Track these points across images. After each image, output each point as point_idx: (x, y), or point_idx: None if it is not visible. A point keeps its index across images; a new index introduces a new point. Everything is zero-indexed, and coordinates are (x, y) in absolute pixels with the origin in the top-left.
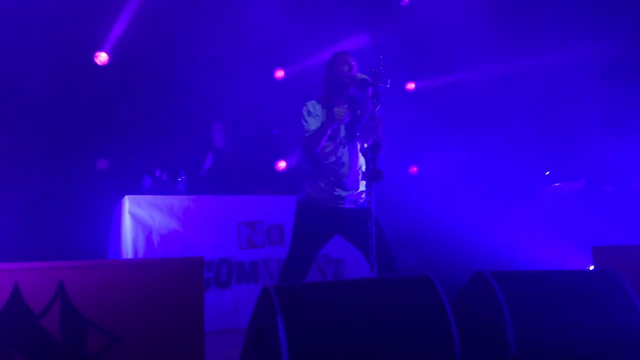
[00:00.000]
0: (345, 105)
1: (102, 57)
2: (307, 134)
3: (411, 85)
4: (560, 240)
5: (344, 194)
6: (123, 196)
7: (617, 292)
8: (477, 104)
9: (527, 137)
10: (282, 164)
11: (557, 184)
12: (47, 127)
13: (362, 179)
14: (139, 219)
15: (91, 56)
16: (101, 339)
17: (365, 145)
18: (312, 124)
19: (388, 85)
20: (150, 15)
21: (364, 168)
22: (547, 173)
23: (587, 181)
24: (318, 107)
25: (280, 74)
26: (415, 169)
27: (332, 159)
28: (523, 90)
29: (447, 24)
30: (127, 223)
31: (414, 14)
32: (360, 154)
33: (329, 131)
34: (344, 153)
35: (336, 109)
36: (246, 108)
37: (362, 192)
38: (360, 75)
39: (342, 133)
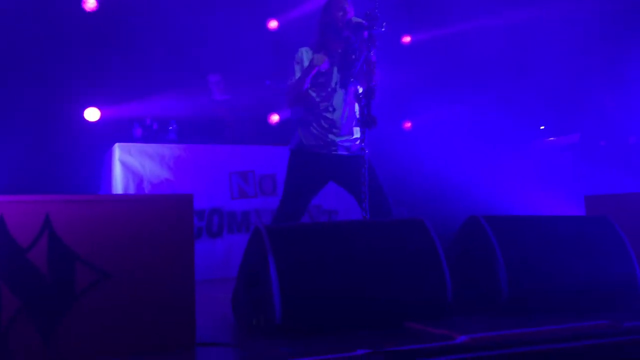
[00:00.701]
0: (324, 54)
1: (90, 4)
2: (289, 82)
3: (407, 39)
4: (554, 192)
5: (337, 139)
6: (113, 144)
7: (611, 238)
8: (472, 58)
9: (522, 91)
10: (275, 117)
11: (551, 138)
12: (36, 74)
13: (356, 125)
14: (130, 167)
15: (79, 2)
16: (89, 275)
17: (360, 90)
18: (298, 73)
19: (383, 29)
20: None
21: (358, 114)
22: (541, 127)
23: (581, 135)
24: (309, 53)
25: (273, 24)
26: (409, 124)
27: (325, 104)
28: (519, 43)
29: None
30: (117, 171)
31: None
32: (354, 100)
33: (308, 78)
34: (336, 98)
35: (315, 55)
36: (239, 58)
37: (356, 138)
38: (355, 19)
39: (336, 78)
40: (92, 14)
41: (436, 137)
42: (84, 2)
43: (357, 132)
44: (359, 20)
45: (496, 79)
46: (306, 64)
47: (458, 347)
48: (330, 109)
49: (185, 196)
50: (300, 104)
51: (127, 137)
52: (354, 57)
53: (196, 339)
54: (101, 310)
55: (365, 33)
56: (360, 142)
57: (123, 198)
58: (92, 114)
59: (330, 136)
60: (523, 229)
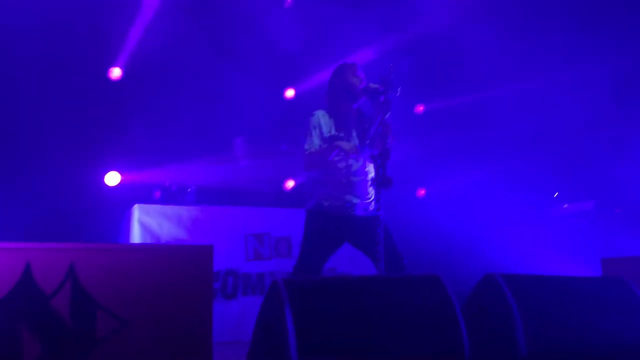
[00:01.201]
0: (353, 143)
1: (115, 73)
2: (307, 152)
3: (420, 108)
4: (569, 256)
5: (355, 200)
6: (133, 205)
7: (627, 298)
8: (485, 126)
9: (536, 159)
10: (290, 183)
11: (566, 205)
12: (61, 137)
13: (372, 186)
14: (148, 228)
15: (105, 71)
16: (110, 322)
17: (375, 152)
18: (316, 139)
19: (398, 93)
20: (162, 32)
21: (373, 175)
22: (555, 194)
23: (596, 202)
24: (325, 117)
25: (290, 93)
26: (423, 191)
27: (342, 165)
28: (532, 111)
29: (455, 45)
30: (136, 231)
31: (422, 36)
32: (370, 161)
33: (334, 154)
34: (353, 160)
35: (347, 144)
36: (256, 123)
37: (372, 199)
38: (372, 85)
39: (353, 140)
40: (116, 81)
41: (451, 202)
42: (110, 72)
43: (372, 193)
44: (375, 86)
45: (509, 147)
46: (324, 129)
47: None
48: (348, 170)
49: (206, 247)
50: (318, 169)
51: (146, 199)
52: (369, 120)
53: None
54: (120, 357)
55: (382, 97)
56: (376, 203)
57: (145, 247)
58: (112, 179)
59: (348, 197)
60: (540, 288)
